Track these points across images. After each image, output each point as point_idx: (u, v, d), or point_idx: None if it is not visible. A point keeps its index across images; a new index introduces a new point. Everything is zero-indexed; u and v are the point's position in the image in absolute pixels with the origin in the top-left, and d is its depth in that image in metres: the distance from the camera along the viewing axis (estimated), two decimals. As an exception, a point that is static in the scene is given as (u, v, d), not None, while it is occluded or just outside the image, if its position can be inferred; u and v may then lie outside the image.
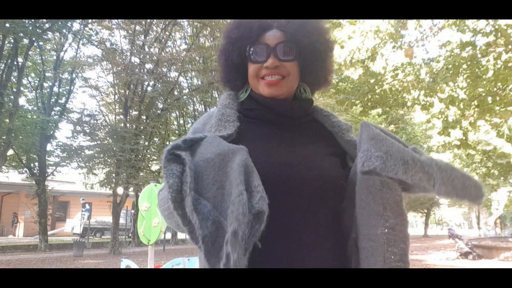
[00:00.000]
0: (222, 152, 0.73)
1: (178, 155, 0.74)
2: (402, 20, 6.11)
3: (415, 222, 47.07)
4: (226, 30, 0.96)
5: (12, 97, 12.22)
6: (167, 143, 18.50)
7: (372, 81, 6.82)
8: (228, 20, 1.00)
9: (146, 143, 16.03)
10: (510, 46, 5.55)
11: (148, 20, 14.08)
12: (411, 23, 6.42)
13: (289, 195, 0.78)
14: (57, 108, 15.30)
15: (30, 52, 13.28)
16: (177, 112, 18.08)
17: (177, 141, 0.79)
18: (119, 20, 13.56)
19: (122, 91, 14.92)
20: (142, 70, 14.33)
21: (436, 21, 6.32)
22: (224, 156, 0.72)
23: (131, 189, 14.72)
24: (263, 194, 0.68)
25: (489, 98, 6.19)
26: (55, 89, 15.13)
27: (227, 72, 0.98)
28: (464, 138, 7.28)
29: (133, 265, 4.13)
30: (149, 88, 15.06)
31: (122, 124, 14.26)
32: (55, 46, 14.81)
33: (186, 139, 0.79)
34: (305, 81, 0.97)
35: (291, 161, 0.82)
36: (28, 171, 14.46)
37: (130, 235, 18.08)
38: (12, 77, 12.48)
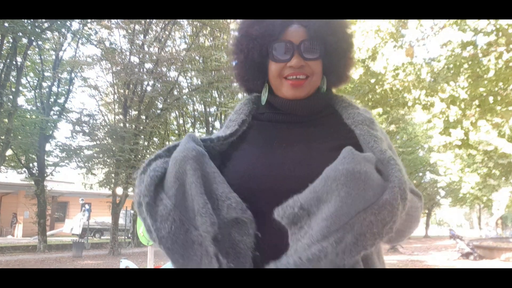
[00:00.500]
0: (185, 149, 0.76)
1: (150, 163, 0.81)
2: (402, 20, 6.11)
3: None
4: (245, 26, 0.92)
5: (11, 96, 12.22)
6: (167, 143, 18.50)
7: (372, 80, 6.83)
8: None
9: (146, 143, 16.04)
10: (511, 46, 5.55)
11: (148, 20, 14.07)
12: (412, 22, 6.41)
13: (272, 195, 0.74)
14: (56, 108, 15.27)
15: (29, 52, 13.27)
16: (176, 112, 18.08)
17: (160, 150, 0.84)
18: (118, 19, 13.55)
19: (122, 90, 14.91)
20: (141, 70, 14.32)
21: (437, 20, 6.31)
22: (186, 153, 0.75)
23: (130, 189, 14.70)
24: (230, 201, 0.72)
25: (490, 98, 6.20)
26: (54, 88, 15.10)
27: (246, 70, 0.93)
28: (465, 138, 7.28)
29: (133, 266, 4.13)
30: (149, 88, 15.05)
31: (122, 124, 14.25)
32: (54, 46, 14.78)
33: (169, 147, 0.84)
34: (328, 80, 0.93)
35: (281, 161, 0.80)
36: (27, 171, 14.43)
37: (129, 235, 18.05)
38: (11, 77, 12.47)
